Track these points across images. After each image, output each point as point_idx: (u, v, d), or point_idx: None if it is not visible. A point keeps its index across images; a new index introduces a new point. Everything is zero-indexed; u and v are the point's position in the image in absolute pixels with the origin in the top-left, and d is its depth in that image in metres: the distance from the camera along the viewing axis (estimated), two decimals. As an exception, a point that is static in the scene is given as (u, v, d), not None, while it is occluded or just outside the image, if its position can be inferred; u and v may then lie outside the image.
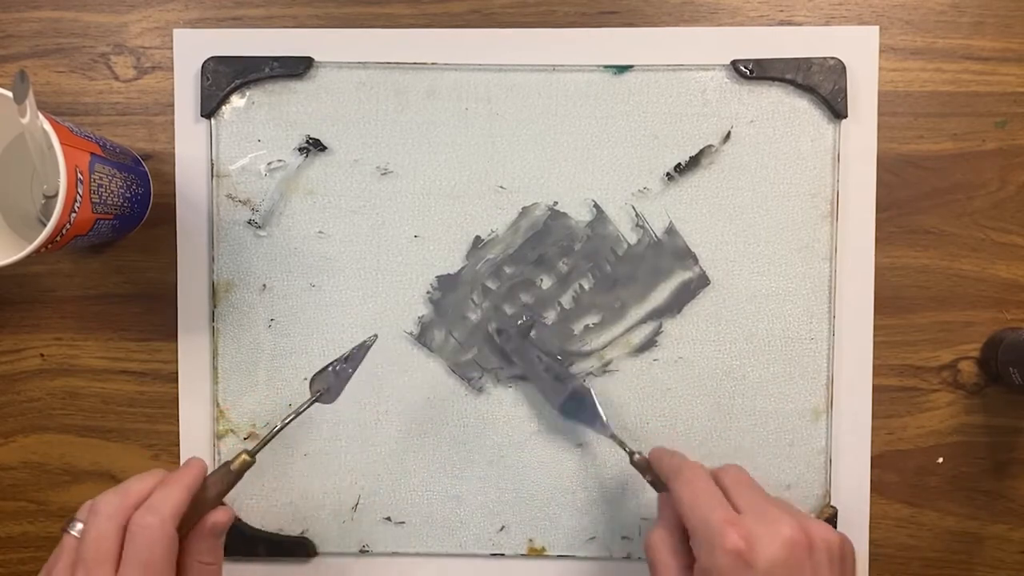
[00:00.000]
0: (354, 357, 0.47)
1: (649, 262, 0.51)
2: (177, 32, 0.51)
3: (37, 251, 0.41)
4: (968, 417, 0.52)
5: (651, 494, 0.51)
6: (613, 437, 0.48)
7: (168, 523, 0.40)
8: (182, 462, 0.52)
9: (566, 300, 0.51)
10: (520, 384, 0.51)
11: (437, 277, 0.51)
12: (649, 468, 0.46)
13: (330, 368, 0.46)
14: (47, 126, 0.40)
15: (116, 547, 0.39)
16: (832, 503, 0.51)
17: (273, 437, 0.45)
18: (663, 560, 0.42)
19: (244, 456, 0.44)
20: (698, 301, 0.51)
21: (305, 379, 0.51)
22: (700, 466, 0.43)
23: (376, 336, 0.47)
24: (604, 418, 0.49)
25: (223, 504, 0.44)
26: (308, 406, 0.46)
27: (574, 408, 0.49)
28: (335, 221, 0.51)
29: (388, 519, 0.52)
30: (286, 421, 0.45)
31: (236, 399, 0.51)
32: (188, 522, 0.42)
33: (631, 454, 0.47)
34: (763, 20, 0.51)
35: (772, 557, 0.38)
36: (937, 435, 0.52)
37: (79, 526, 0.40)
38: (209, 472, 0.44)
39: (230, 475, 0.44)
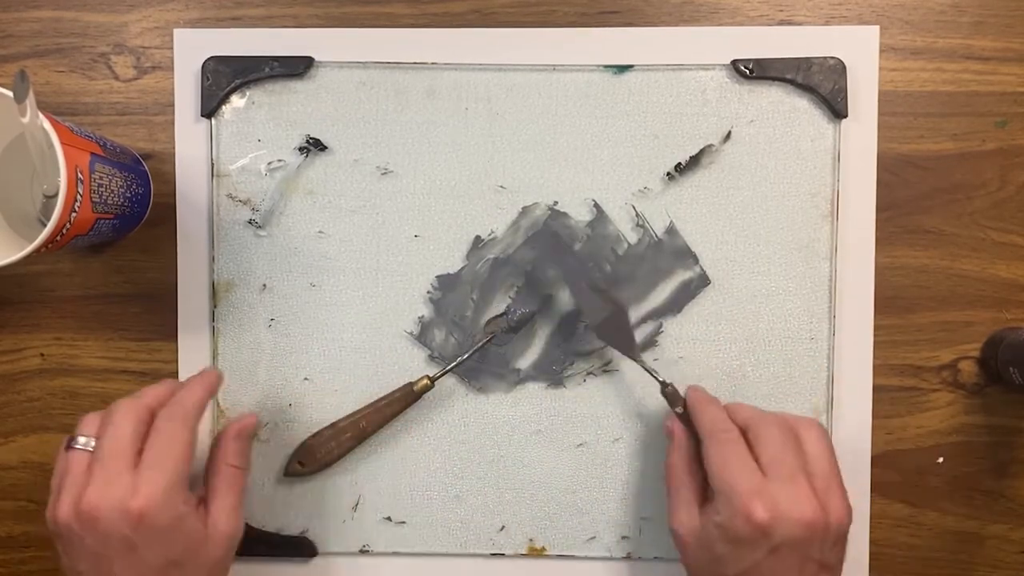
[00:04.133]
0: (527, 313, 0.51)
1: (649, 262, 0.51)
2: (177, 32, 0.51)
3: (37, 251, 0.41)
4: (968, 417, 0.52)
5: (651, 493, 0.51)
6: (643, 364, 0.49)
7: (191, 417, 0.42)
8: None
9: (566, 300, 0.51)
10: (520, 387, 0.51)
11: (437, 277, 0.51)
12: (680, 401, 0.47)
13: (508, 312, 0.50)
14: (47, 125, 0.40)
15: (134, 443, 0.41)
16: (832, 503, 0.51)
17: (456, 366, 0.49)
18: (680, 478, 0.46)
19: (425, 380, 0.49)
20: (698, 301, 0.51)
21: (306, 379, 0.51)
22: (733, 429, 0.44)
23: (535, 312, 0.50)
24: (636, 345, 0.49)
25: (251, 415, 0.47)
26: (482, 345, 0.50)
27: (610, 332, 0.49)
28: (335, 221, 0.51)
29: (388, 519, 0.52)
30: (469, 354, 0.49)
31: (236, 399, 0.51)
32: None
33: (663, 384, 0.47)
34: (763, 20, 0.51)
35: (789, 534, 0.41)
36: (937, 435, 0.52)
37: (82, 439, 0.42)
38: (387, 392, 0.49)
39: (412, 395, 0.49)
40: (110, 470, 0.40)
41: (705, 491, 0.45)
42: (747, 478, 0.42)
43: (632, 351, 0.49)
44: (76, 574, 0.40)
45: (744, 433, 0.44)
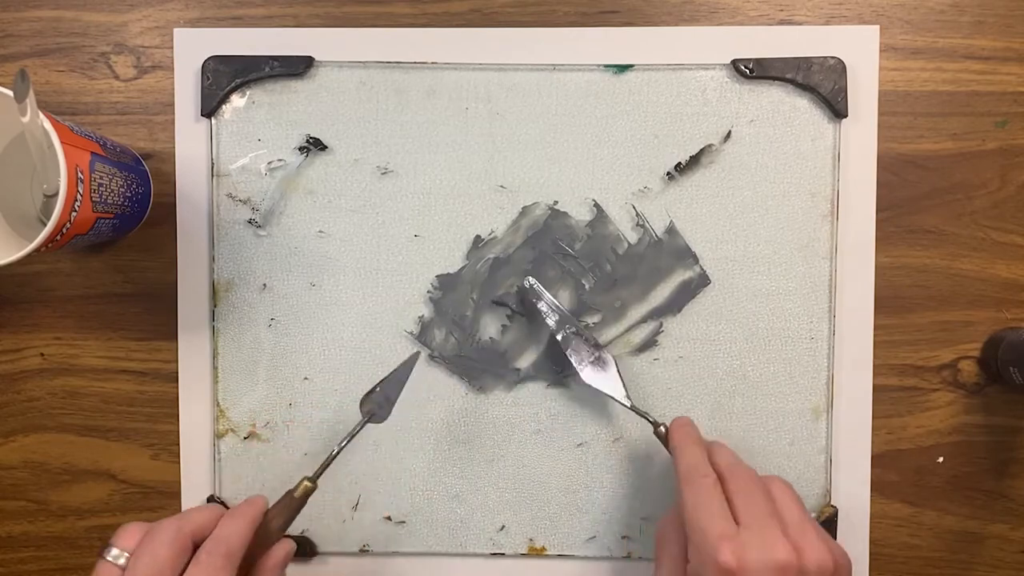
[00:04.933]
0: (399, 375, 0.47)
1: (649, 261, 0.51)
2: (177, 31, 0.51)
3: (37, 250, 0.41)
4: (968, 417, 0.52)
5: (651, 493, 0.51)
6: (634, 408, 0.48)
7: (236, 555, 0.40)
8: (182, 461, 0.52)
9: (566, 300, 0.51)
10: (520, 386, 0.51)
11: (437, 276, 0.51)
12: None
13: (378, 388, 0.47)
14: (47, 125, 0.40)
15: (172, 573, 0.39)
16: (832, 503, 0.51)
17: (331, 462, 0.45)
18: (668, 537, 0.44)
19: (306, 483, 0.44)
20: (698, 300, 0.51)
21: (306, 379, 0.51)
22: (710, 474, 0.43)
23: (419, 353, 0.49)
24: (625, 389, 0.49)
25: (286, 536, 0.44)
26: (360, 428, 0.46)
27: (597, 375, 0.49)
28: (335, 220, 0.51)
29: (388, 519, 0.52)
30: (342, 445, 0.46)
31: (236, 398, 0.51)
32: (252, 554, 0.42)
33: (655, 425, 0.47)
34: (763, 19, 0.51)
35: None
36: (937, 435, 0.52)
37: (114, 552, 0.39)
38: (270, 505, 0.44)
39: (293, 503, 0.44)
40: None
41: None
42: (717, 523, 0.40)
43: (621, 396, 0.48)
44: None
45: (720, 480, 0.43)
